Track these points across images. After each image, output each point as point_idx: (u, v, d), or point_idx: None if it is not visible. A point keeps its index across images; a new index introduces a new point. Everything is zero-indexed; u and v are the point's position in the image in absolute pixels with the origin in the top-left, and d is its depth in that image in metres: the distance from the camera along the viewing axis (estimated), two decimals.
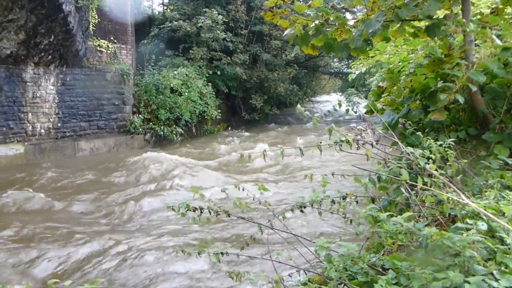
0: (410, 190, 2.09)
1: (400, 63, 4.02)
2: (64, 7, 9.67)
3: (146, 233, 5.37)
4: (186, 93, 14.91)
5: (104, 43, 13.04)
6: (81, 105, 12.23)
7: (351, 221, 2.12)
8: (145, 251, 4.60)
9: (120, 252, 4.68)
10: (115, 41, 13.48)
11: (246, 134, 16.26)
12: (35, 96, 11.21)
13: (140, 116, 13.59)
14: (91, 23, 12.22)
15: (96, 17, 12.64)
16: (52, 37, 10.52)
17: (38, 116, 11.30)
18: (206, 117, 16.08)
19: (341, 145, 1.97)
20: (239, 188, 2.28)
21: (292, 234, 2.10)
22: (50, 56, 11.12)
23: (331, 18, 3.24)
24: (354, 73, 6.25)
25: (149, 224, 5.80)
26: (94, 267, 4.35)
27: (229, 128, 18.39)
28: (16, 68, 10.76)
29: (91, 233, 5.36)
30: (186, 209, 1.95)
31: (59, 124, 11.77)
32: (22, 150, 10.74)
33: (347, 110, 3.06)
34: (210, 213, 1.96)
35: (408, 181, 1.95)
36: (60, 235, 5.32)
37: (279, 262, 1.93)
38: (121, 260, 4.46)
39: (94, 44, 12.74)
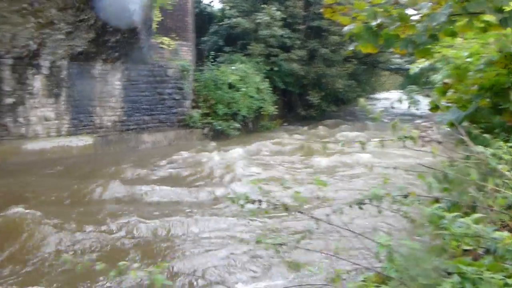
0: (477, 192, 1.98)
1: (469, 59, 3.79)
2: (130, 6, 10.14)
3: (207, 221, 5.56)
4: (243, 89, 15.10)
5: (166, 40, 13.55)
6: (144, 99, 12.83)
7: (412, 221, 2.05)
8: (208, 239, 4.75)
9: (181, 237, 4.87)
10: (177, 38, 13.95)
11: (303, 130, 16.15)
12: (102, 91, 11.92)
13: (199, 110, 13.98)
14: (154, 21, 12.74)
15: (159, 16, 13.16)
16: (119, 35, 11.10)
17: (105, 109, 12.01)
18: (262, 113, 16.19)
19: (404, 141, 1.91)
20: (295, 182, 2.28)
21: (349, 230, 2.07)
22: (116, 53, 11.75)
23: (394, 15, 3.13)
24: (417, 67, 5.99)
25: (212, 213, 5.99)
26: (156, 250, 4.56)
27: (286, 124, 18.35)
28: (87, 65, 11.49)
29: (154, 218, 5.62)
30: (245, 201, 1.98)
31: (124, 118, 12.43)
32: (91, 141, 11.46)
33: (409, 107, 2.94)
34: (268, 206, 1.98)
35: (477, 181, 1.85)
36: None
37: (338, 258, 1.91)
38: (181, 245, 4.63)
39: (157, 41, 13.27)
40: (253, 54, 17.61)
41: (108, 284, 3.73)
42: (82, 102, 11.53)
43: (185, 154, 10.61)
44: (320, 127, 16.44)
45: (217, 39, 18.99)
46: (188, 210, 6.21)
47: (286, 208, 1.98)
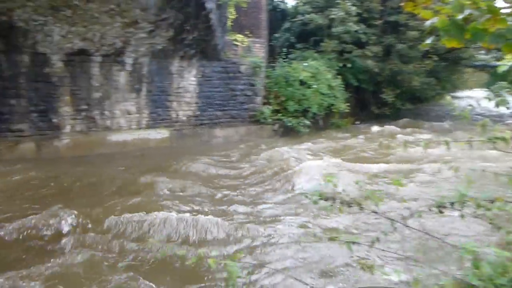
0: None
1: None
2: (207, 5, 10.48)
3: (279, 216, 5.63)
4: (315, 86, 14.96)
5: (239, 37, 13.83)
6: (217, 95, 13.22)
7: (499, 228, 1.91)
8: (279, 235, 4.81)
9: (252, 232, 4.97)
10: (250, 35, 14.18)
11: (375, 129, 15.63)
12: (179, 86, 12.48)
13: (269, 107, 14.10)
14: (229, 19, 13.06)
15: (234, 14, 13.47)
16: (196, 33, 11.53)
17: (181, 104, 12.57)
18: (333, 110, 15.92)
19: (495, 142, 1.77)
20: (370, 181, 2.22)
21: (428, 234, 1.98)
22: (193, 51, 12.22)
23: (482, 7, 2.90)
24: (507, 65, 5.51)
25: (283, 208, 6.05)
26: (228, 243, 4.70)
27: (358, 123, 17.87)
28: (165, 62, 12.10)
29: (225, 214, 5.80)
30: (319, 197, 1.98)
31: (198, 113, 12.92)
32: (167, 135, 12.07)
33: (497, 106, 2.72)
34: (342, 204, 1.95)
35: None
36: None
37: (414, 261, 1.83)
38: (253, 240, 4.73)
39: (231, 38, 13.60)
40: (326, 51, 17.35)
41: (187, 270, 3.90)
42: (160, 97, 12.18)
43: (256, 149, 10.78)
44: (396, 126, 15.77)
45: (289, 36, 18.98)
46: (259, 206, 6.29)
47: (360, 207, 1.95)
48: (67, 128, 10.81)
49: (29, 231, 4.94)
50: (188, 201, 6.47)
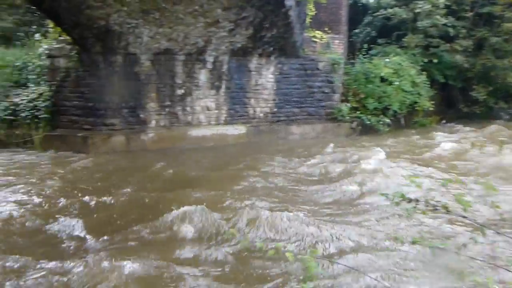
0: None
1: None
2: (286, 2, 10.50)
3: (358, 216, 5.53)
4: (396, 82, 14.31)
5: (318, 33, 13.67)
6: (294, 92, 13.22)
7: None
8: (357, 235, 4.72)
9: (327, 231, 4.92)
10: (329, 31, 13.95)
11: (465, 129, 14.52)
12: (257, 83, 12.68)
13: (347, 104, 13.78)
14: (308, 15, 12.96)
15: (313, 10, 13.34)
16: (275, 30, 11.61)
17: (258, 101, 12.78)
18: (417, 108, 15.10)
19: None
20: (458, 185, 2.08)
21: None
22: (271, 48, 12.33)
23: None
24: None
25: (360, 209, 5.92)
26: (303, 240, 4.70)
27: (444, 122, 16.72)
28: (244, 59, 12.36)
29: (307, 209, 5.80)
30: (401, 199, 1.90)
31: (275, 109, 13.04)
32: (245, 131, 12.35)
33: None
34: (426, 206, 1.86)
35: None
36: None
37: (506, 270, 1.69)
38: (329, 239, 4.68)
39: (309, 35, 13.50)
40: (409, 46, 16.50)
41: (264, 261, 3.99)
42: (238, 94, 12.49)
43: (332, 147, 10.59)
44: (490, 125, 14.48)
45: (370, 31, 18.36)
46: (334, 205, 6.21)
47: (447, 210, 1.84)
48: (153, 123, 11.53)
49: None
50: (267, 196, 6.57)
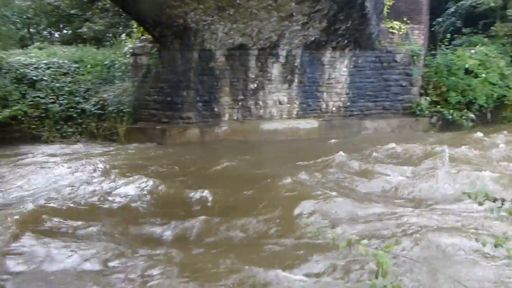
0: None
1: None
2: None
3: (432, 214, 5.25)
4: (483, 75, 13.24)
5: (396, 24, 13.05)
6: (369, 86, 12.79)
7: None
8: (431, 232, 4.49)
9: (403, 226, 4.74)
10: (408, 21, 13.26)
11: None
12: (330, 77, 12.47)
13: (427, 98, 13.03)
14: (385, 5, 12.43)
15: (391, 0, 12.76)
16: (349, 22, 11.31)
17: (331, 95, 12.56)
18: (506, 103, 13.84)
19: None
20: None
21: None
22: (345, 41, 12.04)
23: None
24: None
25: (444, 206, 5.61)
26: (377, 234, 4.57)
27: None
28: (317, 53, 12.21)
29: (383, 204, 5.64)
30: (485, 198, 1.76)
31: (348, 104, 12.73)
32: (317, 125, 12.22)
33: None
34: None
35: None
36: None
37: None
38: (406, 235, 4.50)
39: (387, 26, 12.94)
40: (498, 35, 15.14)
41: (335, 253, 3.98)
42: (311, 88, 12.38)
43: (409, 143, 10.05)
44: None
45: (454, 20, 17.12)
46: (410, 204, 5.92)
47: None
48: (226, 117, 11.87)
49: None
50: (338, 189, 6.48)
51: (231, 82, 11.74)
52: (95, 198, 6.16)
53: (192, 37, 10.90)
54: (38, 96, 12.28)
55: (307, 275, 3.75)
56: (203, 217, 5.17)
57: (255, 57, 11.77)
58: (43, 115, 12.12)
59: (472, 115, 12.94)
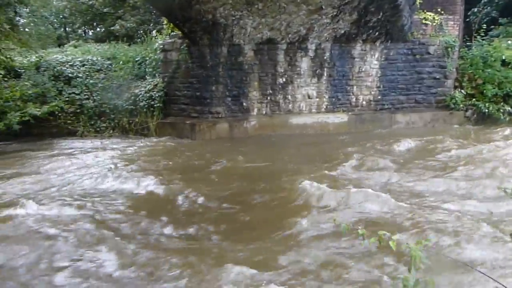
0: None
1: None
2: None
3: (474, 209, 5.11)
4: None
5: (429, 15, 12.67)
6: (401, 79, 12.50)
7: None
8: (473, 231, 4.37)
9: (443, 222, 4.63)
10: (442, 12, 12.84)
11: None
12: (360, 70, 12.27)
13: (462, 91, 12.61)
14: None
15: None
16: (380, 14, 11.07)
17: (361, 89, 12.36)
18: None
19: None
20: None
21: None
22: (376, 33, 11.80)
23: None
24: None
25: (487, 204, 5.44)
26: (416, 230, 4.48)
27: None
28: (347, 46, 12.03)
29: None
30: None
31: (379, 97, 12.50)
32: (346, 119, 12.06)
33: None
34: None
35: None
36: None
37: None
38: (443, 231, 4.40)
39: (419, 17, 12.58)
40: None
41: (363, 248, 3.93)
42: (340, 82, 12.22)
43: (443, 137, 9.76)
44: None
45: (490, 10, 16.47)
46: (457, 201, 5.73)
47: None
48: (255, 111, 11.89)
49: None
50: (378, 183, 6.39)
51: (259, 76, 11.75)
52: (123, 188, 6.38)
53: (221, 32, 10.96)
54: (74, 93, 12.68)
55: (336, 270, 3.73)
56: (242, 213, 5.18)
57: (284, 51, 11.72)
58: (78, 110, 12.51)
59: (509, 108, 12.42)
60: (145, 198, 6.17)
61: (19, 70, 13.00)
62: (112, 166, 8.00)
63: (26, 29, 18.19)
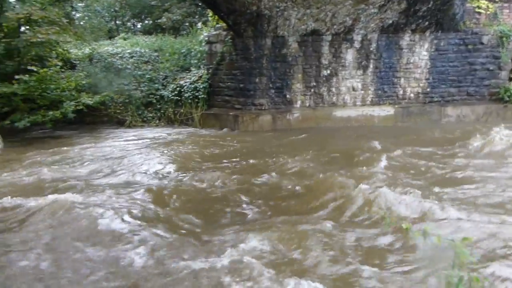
0: None
1: None
2: None
3: None
4: None
5: (483, 3, 12.01)
6: (451, 70, 11.98)
7: None
8: None
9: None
10: (496, 0, 12.15)
11: None
12: (408, 62, 11.87)
13: None
14: None
15: None
16: (431, 3, 10.66)
17: (409, 81, 11.97)
18: None
19: None
20: None
21: None
22: (426, 23, 11.36)
23: None
24: None
25: None
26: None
27: None
28: (395, 37, 11.67)
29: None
30: None
31: (427, 89, 12.05)
32: (392, 112, 11.74)
33: None
34: None
35: None
36: None
37: None
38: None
39: (472, 5, 11.96)
40: None
41: (409, 241, 3.88)
42: (387, 74, 11.89)
43: (500, 131, 9.17)
44: None
45: None
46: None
47: None
48: (298, 103, 11.84)
49: None
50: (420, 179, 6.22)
51: (303, 68, 11.67)
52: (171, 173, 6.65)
53: (265, 24, 10.98)
54: (123, 83, 13.18)
55: (379, 266, 3.69)
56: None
57: (329, 42, 11.56)
58: (127, 101, 13.00)
59: None
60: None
61: (74, 62, 13.70)
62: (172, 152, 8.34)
63: (81, 23, 19.08)
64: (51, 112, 10.64)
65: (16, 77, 10.33)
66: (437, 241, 2.26)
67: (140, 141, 10.06)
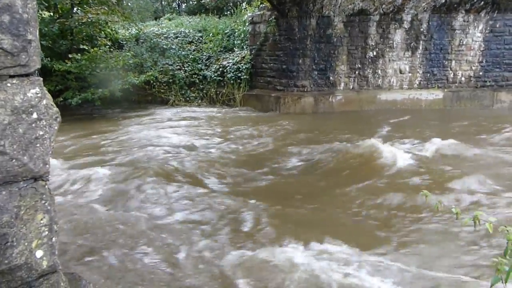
0: None
1: None
2: None
3: None
4: None
5: None
6: (507, 53, 11.29)
7: None
8: None
9: None
10: None
11: None
12: (461, 44, 11.30)
13: None
14: None
15: None
16: None
17: (461, 63, 11.41)
18: None
19: None
20: None
21: None
22: (482, 2, 10.73)
23: None
24: None
25: None
26: None
27: None
28: (447, 17, 11.11)
29: None
30: None
31: (480, 73, 11.45)
32: (441, 96, 11.27)
33: None
34: None
35: None
36: None
37: None
38: None
39: None
40: None
41: (458, 227, 3.78)
42: (437, 56, 11.39)
43: None
44: None
45: None
46: None
47: None
48: (341, 86, 11.60)
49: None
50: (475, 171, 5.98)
51: (348, 50, 11.38)
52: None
53: (310, 3, 10.75)
54: (167, 63, 13.42)
55: (427, 252, 3.63)
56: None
57: (376, 23, 11.18)
58: (170, 80, 13.25)
59: None
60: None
61: (121, 42, 14.07)
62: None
63: (129, 4, 19.49)
64: (100, 90, 11.04)
65: (70, 55, 10.78)
66: (489, 227, 2.18)
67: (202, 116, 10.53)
